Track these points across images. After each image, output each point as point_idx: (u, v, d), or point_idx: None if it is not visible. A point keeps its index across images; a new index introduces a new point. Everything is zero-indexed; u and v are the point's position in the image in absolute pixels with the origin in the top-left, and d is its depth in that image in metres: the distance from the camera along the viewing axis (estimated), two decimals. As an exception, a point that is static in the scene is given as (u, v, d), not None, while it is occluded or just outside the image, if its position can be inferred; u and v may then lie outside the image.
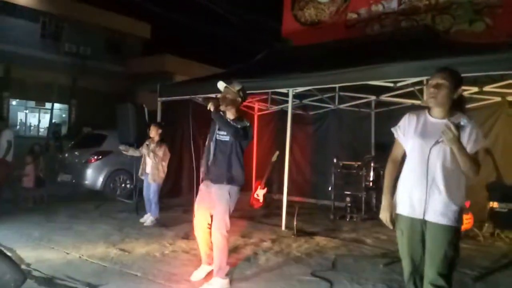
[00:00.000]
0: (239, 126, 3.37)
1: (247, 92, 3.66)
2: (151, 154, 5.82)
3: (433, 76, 2.33)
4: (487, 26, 7.58)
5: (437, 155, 2.24)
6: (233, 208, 3.47)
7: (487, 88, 5.70)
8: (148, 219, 5.85)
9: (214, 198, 3.44)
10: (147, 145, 5.95)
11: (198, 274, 3.63)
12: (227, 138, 3.42)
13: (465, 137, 2.18)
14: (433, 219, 2.25)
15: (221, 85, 3.52)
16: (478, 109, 6.18)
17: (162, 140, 5.94)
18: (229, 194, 3.41)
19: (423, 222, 2.28)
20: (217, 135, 3.48)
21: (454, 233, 2.24)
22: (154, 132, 5.92)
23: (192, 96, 7.22)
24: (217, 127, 3.49)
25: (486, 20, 7.61)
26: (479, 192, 5.86)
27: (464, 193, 2.29)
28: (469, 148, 2.19)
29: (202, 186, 3.57)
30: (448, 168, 2.23)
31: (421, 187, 2.27)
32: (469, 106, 6.14)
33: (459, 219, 2.25)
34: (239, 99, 3.47)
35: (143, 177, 6.04)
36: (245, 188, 8.69)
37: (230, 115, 3.48)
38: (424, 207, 2.25)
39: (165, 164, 5.90)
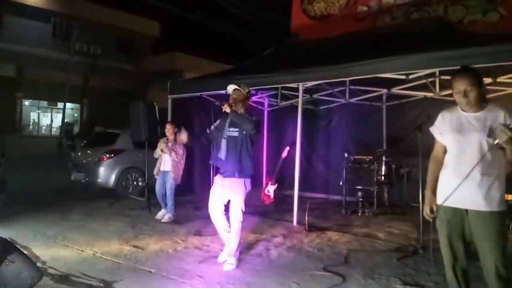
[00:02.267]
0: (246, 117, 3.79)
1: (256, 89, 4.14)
2: (173, 153, 5.88)
3: (458, 83, 2.41)
4: (501, 16, 7.42)
5: (476, 147, 2.35)
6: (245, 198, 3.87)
7: (501, 79, 5.60)
8: (165, 215, 5.90)
9: (229, 191, 3.82)
10: (165, 143, 5.99)
11: (223, 255, 3.97)
12: (236, 134, 3.78)
13: None
14: (476, 208, 2.33)
15: (231, 87, 3.94)
16: (492, 100, 6.05)
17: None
18: (244, 185, 3.80)
19: (465, 211, 2.38)
20: (228, 132, 3.81)
21: (500, 218, 2.32)
22: (171, 131, 5.98)
23: (203, 93, 7.25)
24: (227, 124, 3.83)
25: (500, 10, 7.45)
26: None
27: (504, 184, 2.36)
28: None
29: (216, 179, 3.95)
30: (487, 159, 2.32)
31: (461, 178, 2.35)
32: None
33: (502, 205, 2.34)
34: (248, 100, 3.99)
35: (157, 176, 6.08)
36: (256, 184, 8.75)
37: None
38: (466, 198, 2.36)
39: (183, 161, 6.00)
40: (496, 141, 2.28)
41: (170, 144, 5.96)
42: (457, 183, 2.37)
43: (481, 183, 2.32)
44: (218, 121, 3.96)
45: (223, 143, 3.81)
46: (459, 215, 2.41)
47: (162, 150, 5.98)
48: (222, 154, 3.81)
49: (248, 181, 3.84)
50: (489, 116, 2.38)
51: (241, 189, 3.79)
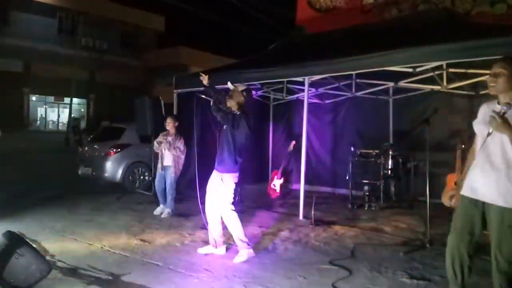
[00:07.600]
0: (227, 111, 3.91)
1: (252, 90, 4.24)
2: (173, 148, 5.84)
3: (493, 66, 2.41)
4: (509, 8, 7.31)
5: (496, 140, 2.32)
6: (232, 192, 3.93)
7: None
8: (164, 210, 5.88)
9: (218, 185, 3.90)
10: (165, 139, 5.92)
11: (204, 249, 4.08)
12: (225, 127, 3.91)
13: None
14: (491, 201, 2.32)
15: (229, 85, 4.04)
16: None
17: (179, 133, 5.98)
18: (221, 179, 3.86)
19: (482, 204, 2.38)
20: (224, 126, 3.97)
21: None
22: (171, 125, 5.93)
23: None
24: None
25: (508, 1, 7.34)
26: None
27: None
28: None
29: (213, 174, 4.03)
30: (508, 152, 2.28)
31: (482, 171, 2.38)
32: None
33: None
34: (242, 98, 3.92)
35: (162, 172, 5.99)
36: (262, 178, 8.78)
37: (234, 109, 3.94)
38: (484, 190, 2.35)
39: (183, 156, 5.97)
40: (490, 130, 2.28)
41: (170, 138, 5.89)
42: (478, 176, 2.39)
43: (500, 178, 2.30)
44: None
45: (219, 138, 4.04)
46: (475, 206, 2.41)
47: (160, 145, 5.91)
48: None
49: (235, 175, 3.90)
50: (496, 111, 2.31)
51: (227, 184, 3.86)
